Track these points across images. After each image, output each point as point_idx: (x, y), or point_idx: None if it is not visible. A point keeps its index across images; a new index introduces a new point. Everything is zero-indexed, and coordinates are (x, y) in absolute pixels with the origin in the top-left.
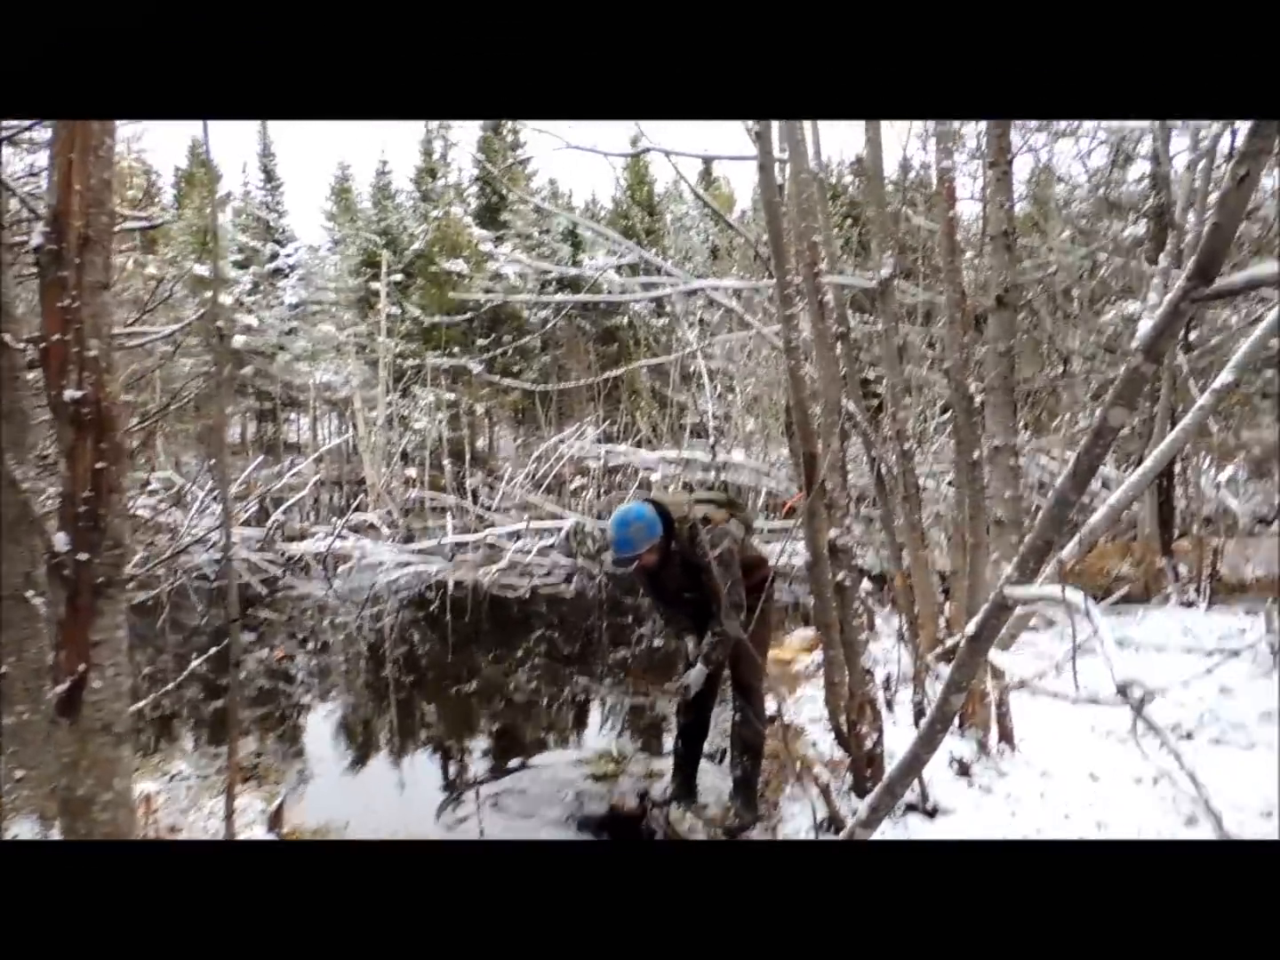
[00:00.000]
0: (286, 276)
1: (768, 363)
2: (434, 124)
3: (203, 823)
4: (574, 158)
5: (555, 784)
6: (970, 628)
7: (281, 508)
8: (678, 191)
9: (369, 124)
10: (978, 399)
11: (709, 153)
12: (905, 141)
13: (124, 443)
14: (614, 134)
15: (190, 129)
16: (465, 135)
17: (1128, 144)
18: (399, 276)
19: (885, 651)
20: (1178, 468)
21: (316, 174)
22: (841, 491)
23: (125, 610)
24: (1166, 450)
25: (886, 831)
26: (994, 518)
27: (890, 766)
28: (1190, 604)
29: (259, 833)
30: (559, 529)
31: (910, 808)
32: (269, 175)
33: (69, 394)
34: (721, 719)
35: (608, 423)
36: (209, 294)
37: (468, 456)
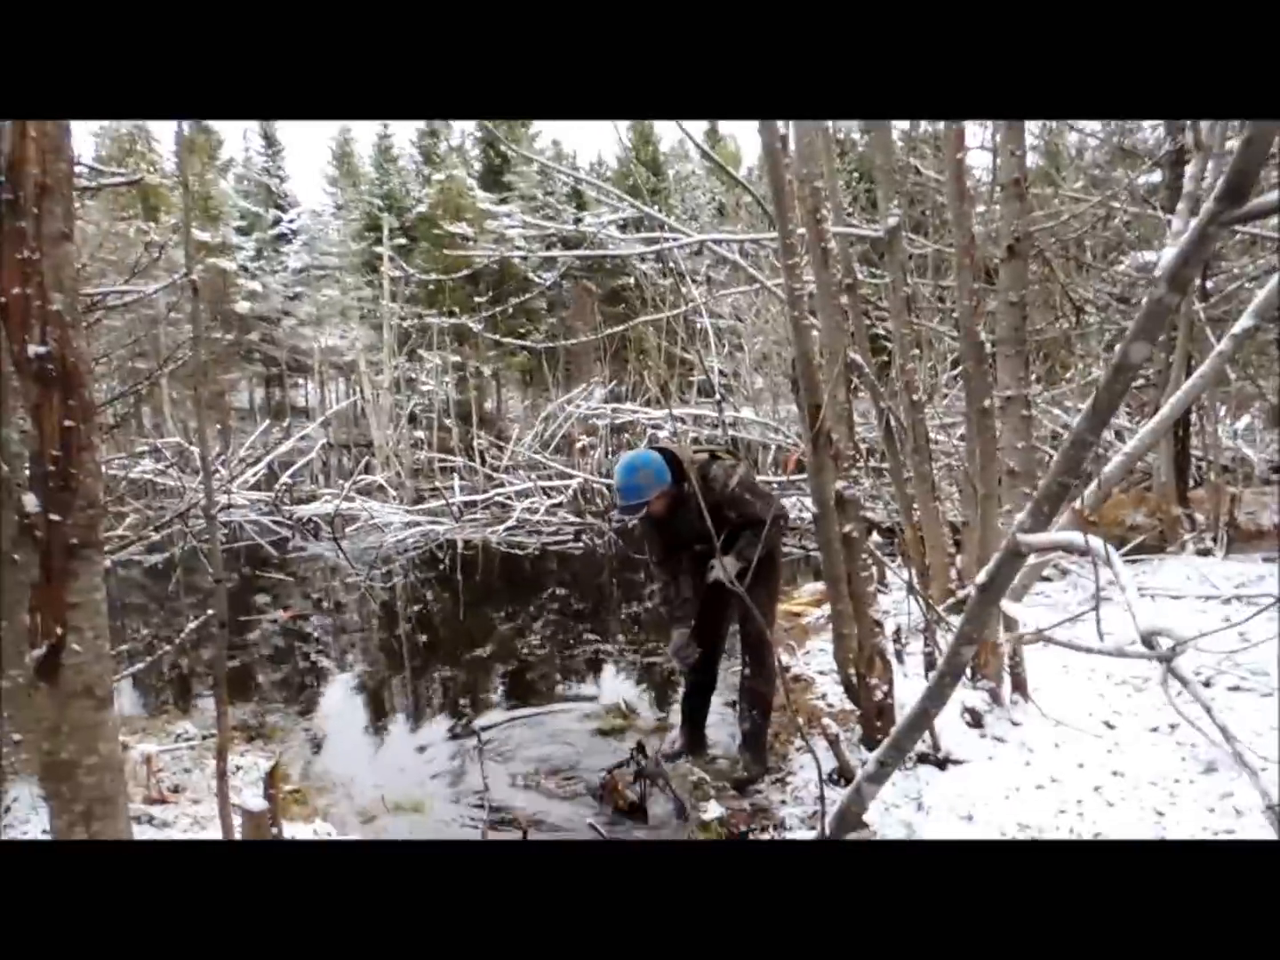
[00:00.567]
0: (290, 242)
1: (776, 320)
2: None
3: (206, 783)
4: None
5: (561, 733)
6: (981, 576)
7: (289, 470)
8: (683, 150)
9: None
10: (988, 348)
11: None
12: None
13: (93, 400)
14: None
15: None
16: None
17: None
18: (402, 240)
19: (895, 604)
20: (1194, 416)
21: (318, 138)
22: (848, 443)
23: (103, 572)
24: (1184, 397)
25: (898, 782)
26: (1006, 468)
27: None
28: (1207, 552)
29: (257, 791)
30: (567, 488)
31: (923, 758)
32: (269, 140)
33: (33, 350)
34: (730, 672)
35: (615, 382)
36: (211, 260)
37: (475, 418)
